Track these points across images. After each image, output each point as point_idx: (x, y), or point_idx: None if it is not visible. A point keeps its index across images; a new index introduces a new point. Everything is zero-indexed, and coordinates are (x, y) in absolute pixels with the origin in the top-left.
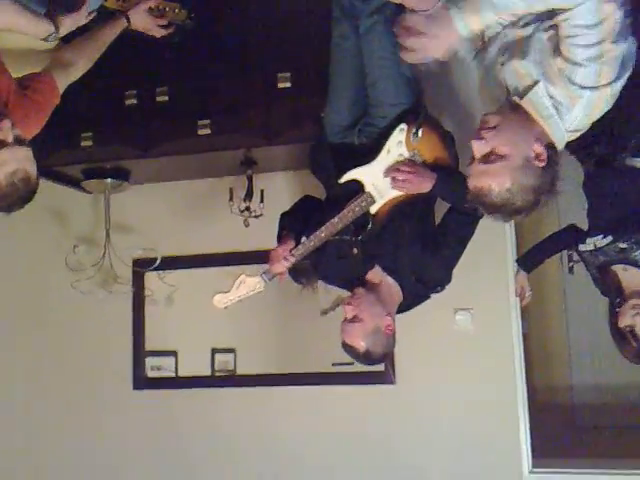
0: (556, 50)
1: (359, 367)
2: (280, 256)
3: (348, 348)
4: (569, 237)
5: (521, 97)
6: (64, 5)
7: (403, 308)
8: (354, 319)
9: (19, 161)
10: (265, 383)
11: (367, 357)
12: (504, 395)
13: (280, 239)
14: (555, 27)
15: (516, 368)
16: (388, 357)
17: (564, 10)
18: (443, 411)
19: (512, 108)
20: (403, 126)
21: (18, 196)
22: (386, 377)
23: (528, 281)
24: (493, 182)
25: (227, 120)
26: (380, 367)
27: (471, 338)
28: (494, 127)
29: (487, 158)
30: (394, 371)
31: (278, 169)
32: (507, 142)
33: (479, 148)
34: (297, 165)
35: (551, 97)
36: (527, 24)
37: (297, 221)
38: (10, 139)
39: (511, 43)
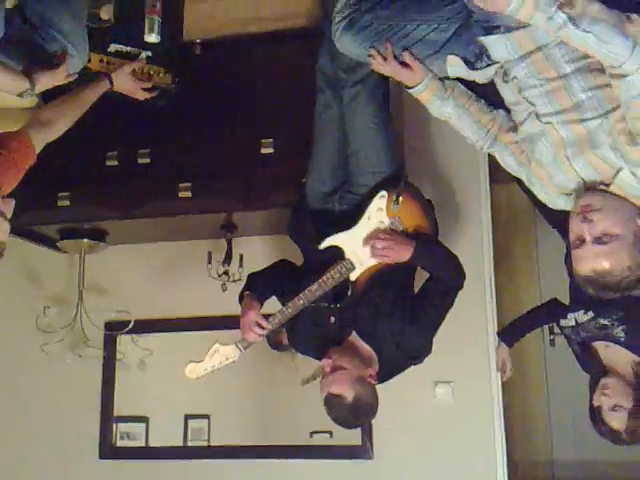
0: (627, 134)
1: (337, 440)
2: (252, 322)
3: (333, 399)
4: (551, 311)
5: (607, 185)
6: (41, 62)
7: (381, 378)
8: (335, 368)
9: (5, 236)
10: (240, 455)
11: (355, 408)
12: (485, 470)
13: (241, 299)
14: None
15: (497, 442)
16: (374, 413)
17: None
18: None
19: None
20: (384, 193)
21: None
22: (364, 451)
23: (509, 355)
24: (613, 262)
25: (208, 184)
26: (358, 441)
27: (451, 412)
28: (599, 209)
29: (600, 239)
30: (372, 445)
31: (258, 233)
32: (616, 221)
33: (590, 231)
34: (277, 230)
35: (635, 176)
36: (587, 119)
37: (265, 285)
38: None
39: (574, 140)
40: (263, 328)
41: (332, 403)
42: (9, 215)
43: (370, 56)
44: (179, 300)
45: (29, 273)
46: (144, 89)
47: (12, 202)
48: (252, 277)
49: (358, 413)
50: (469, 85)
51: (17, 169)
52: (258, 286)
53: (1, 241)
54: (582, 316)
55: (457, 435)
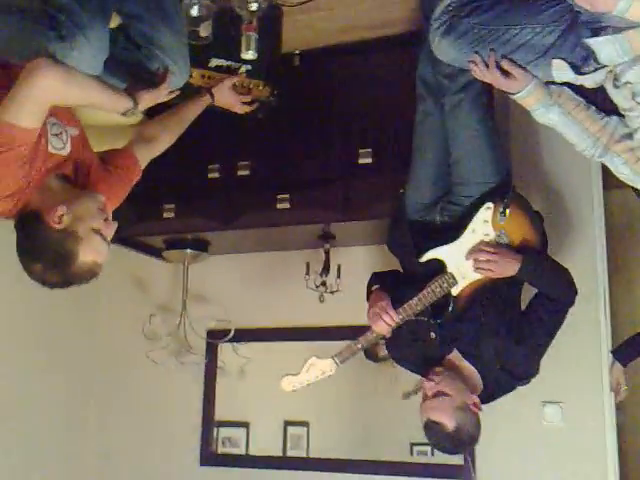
0: None
1: (437, 458)
2: (383, 311)
3: (433, 426)
4: None
5: None
6: (144, 81)
7: (484, 399)
8: (437, 394)
9: (103, 258)
10: (339, 469)
11: (456, 437)
12: None
13: (369, 295)
14: None
15: (609, 467)
16: (476, 442)
17: None
18: None
19: None
20: (490, 204)
21: (80, 282)
22: (466, 473)
23: (624, 374)
24: None
25: (306, 195)
26: (460, 460)
27: (561, 434)
28: None
29: None
30: (474, 466)
31: (356, 244)
32: None
33: None
34: (376, 240)
35: None
36: None
37: (388, 282)
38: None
39: None
40: (392, 319)
41: (432, 429)
42: (110, 237)
43: (471, 62)
44: (277, 310)
45: (136, 282)
46: (244, 102)
47: (114, 225)
48: (378, 275)
49: (458, 442)
50: (580, 91)
51: (123, 184)
52: (387, 283)
53: (98, 263)
54: None
55: (566, 459)
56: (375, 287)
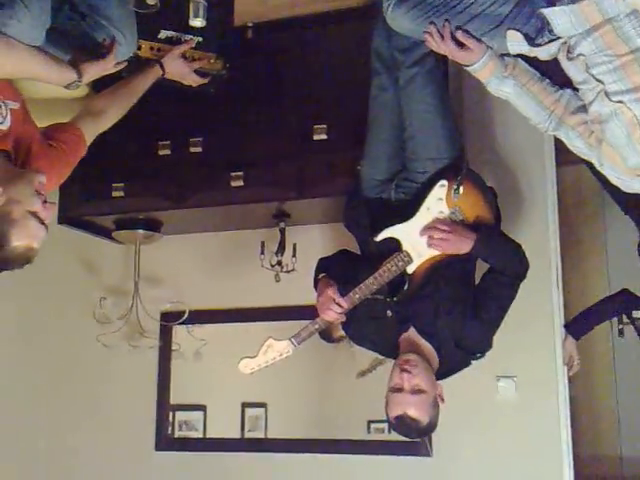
0: None
1: (394, 435)
2: (330, 301)
3: (410, 421)
4: (622, 303)
5: None
6: (88, 52)
7: (441, 375)
8: (416, 390)
9: (39, 242)
10: (297, 449)
11: (426, 429)
12: (550, 466)
13: (316, 283)
14: None
15: (562, 438)
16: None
17: None
18: None
19: None
20: (443, 182)
21: (12, 268)
22: (423, 449)
23: (577, 348)
24: None
25: (260, 172)
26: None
27: (514, 407)
28: None
29: None
30: (431, 443)
31: (312, 222)
32: None
33: None
34: (331, 218)
35: None
36: None
37: (335, 268)
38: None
39: None
40: (341, 307)
41: (406, 424)
42: (48, 220)
43: (427, 34)
44: (233, 291)
45: (85, 264)
46: (196, 73)
47: (53, 207)
48: (324, 262)
49: (425, 433)
50: (534, 63)
51: (67, 161)
52: (333, 270)
53: (33, 248)
54: None
55: (521, 431)
56: (321, 275)
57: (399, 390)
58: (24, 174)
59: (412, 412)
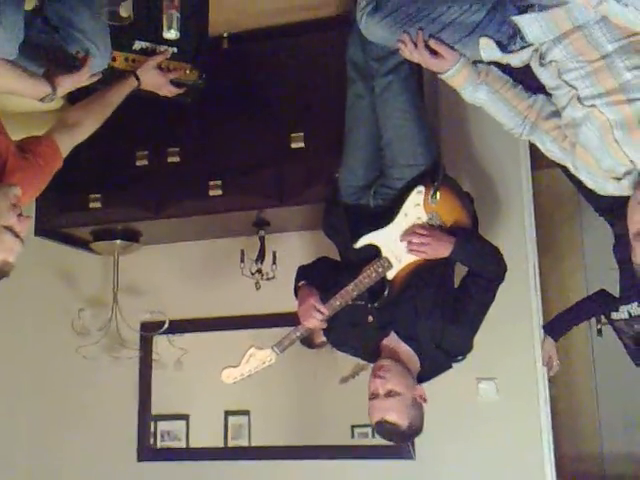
0: None
1: (378, 440)
2: (313, 308)
3: (388, 426)
4: (600, 304)
5: None
6: (63, 65)
7: (423, 378)
8: (390, 394)
9: (15, 256)
10: (281, 456)
11: (407, 433)
12: (532, 466)
13: (297, 291)
14: None
15: (544, 437)
16: (421, 432)
17: None
18: None
19: None
20: (421, 188)
21: None
22: (405, 452)
23: (556, 348)
24: None
25: (239, 181)
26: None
27: (496, 408)
28: None
29: None
30: (413, 445)
31: (291, 230)
32: None
33: None
34: (311, 225)
35: None
36: (635, 99)
37: (315, 276)
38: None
39: (621, 122)
40: (322, 314)
41: (385, 429)
42: (23, 234)
43: (400, 42)
44: (213, 299)
45: (63, 276)
46: (172, 83)
47: (28, 221)
48: (304, 269)
49: (408, 437)
50: (507, 70)
51: (42, 174)
52: (313, 277)
53: (9, 262)
54: (637, 308)
55: (502, 432)
56: (302, 283)
57: (375, 397)
58: None
59: (389, 416)
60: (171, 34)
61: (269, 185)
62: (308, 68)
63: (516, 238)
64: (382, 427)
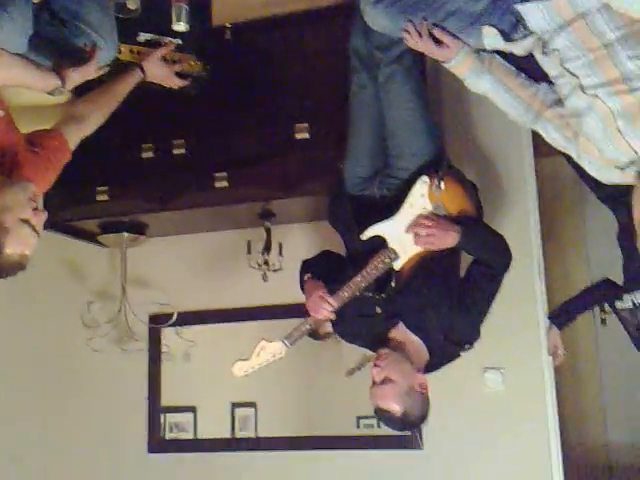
0: None
1: (384, 430)
2: (321, 300)
3: (383, 413)
4: (604, 293)
5: None
6: (71, 58)
7: (431, 368)
8: (385, 381)
9: (32, 249)
10: (288, 447)
11: (404, 421)
12: (539, 455)
13: (303, 284)
14: None
15: (550, 427)
16: (425, 420)
17: None
18: (474, 476)
19: None
20: (425, 178)
21: (6, 275)
22: (413, 442)
23: (560, 337)
24: None
25: (244, 172)
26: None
27: (502, 398)
28: None
29: None
30: (421, 436)
31: (297, 221)
32: None
33: None
34: (316, 216)
35: None
36: (637, 89)
37: (320, 269)
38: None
39: (624, 111)
40: (332, 306)
41: (381, 416)
42: (40, 229)
43: (405, 31)
44: (220, 291)
45: (71, 269)
46: (177, 75)
47: (45, 215)
48: (309, 263)
49: (407, 425)
50: (510, 59)
51: (52, 167)
52: (318, 270)
53: (26, 255)
54: None
55: (509, 421)
56: (307, 276)
57: (373, 384)
58: (15, 183)
59: (382, 403)
60: (180, 26)
61: (274, 176)
62: (311, 58)
63: (520, 226)
64: (378, 413)
